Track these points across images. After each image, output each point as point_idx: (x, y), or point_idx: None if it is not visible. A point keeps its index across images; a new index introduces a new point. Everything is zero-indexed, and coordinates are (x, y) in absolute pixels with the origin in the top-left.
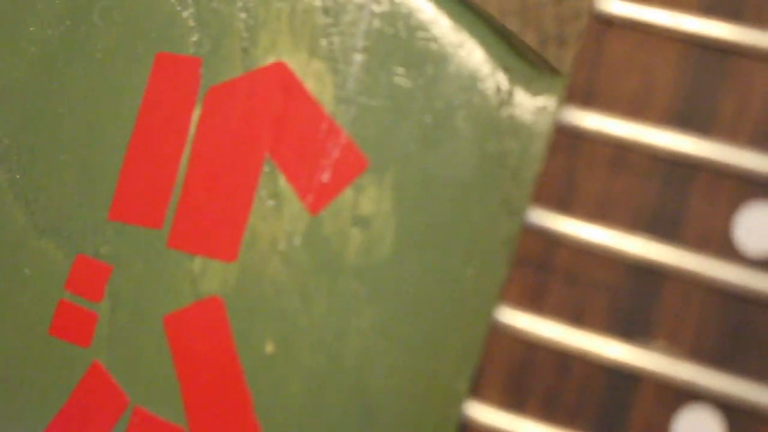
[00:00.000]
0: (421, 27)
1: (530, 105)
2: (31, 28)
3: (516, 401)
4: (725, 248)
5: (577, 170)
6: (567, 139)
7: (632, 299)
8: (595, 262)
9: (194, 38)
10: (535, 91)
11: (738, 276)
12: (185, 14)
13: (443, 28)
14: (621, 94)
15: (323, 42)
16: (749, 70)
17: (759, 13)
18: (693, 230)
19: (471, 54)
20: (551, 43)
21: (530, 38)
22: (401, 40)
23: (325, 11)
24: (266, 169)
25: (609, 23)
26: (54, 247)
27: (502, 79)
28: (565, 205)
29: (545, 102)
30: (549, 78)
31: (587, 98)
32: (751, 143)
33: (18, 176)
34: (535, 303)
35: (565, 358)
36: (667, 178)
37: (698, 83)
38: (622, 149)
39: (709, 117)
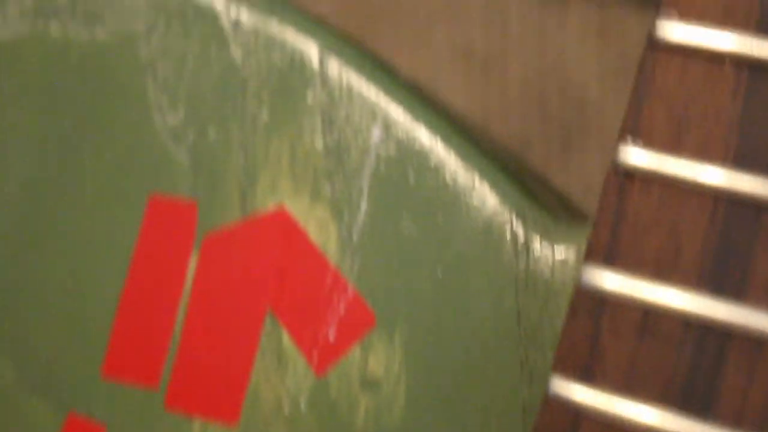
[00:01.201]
0: (431, 171)
1: (549, 257)
2: (14, 167)
3: None
4: (765, 424)
5: (601, 335)
6: (589, 300)
7: None
8: None
9: (189, 180)
10: (554, 242)
11: None
12: (180, 154)
13: (454, 171)
14: (646, 252)
15: (326, 186)
16: None
17: None
18: (729, 404)
19: (484, 200)
20: (575, 189)
21: (553, 180)
22: (410, 186)
23: (328, 153)
24: (268, 323)
25: (631, 176)
26: (44, 405)
27: (518, 228)
28: (589, 374)
29: (565, 254)
30: (569, 227)
31: (610, 256)
32: None
33: (5, 326)
34: None
35: None
36: (699, 346)
37: (730, 242)
38: (650, 313)
39: (744, 279)
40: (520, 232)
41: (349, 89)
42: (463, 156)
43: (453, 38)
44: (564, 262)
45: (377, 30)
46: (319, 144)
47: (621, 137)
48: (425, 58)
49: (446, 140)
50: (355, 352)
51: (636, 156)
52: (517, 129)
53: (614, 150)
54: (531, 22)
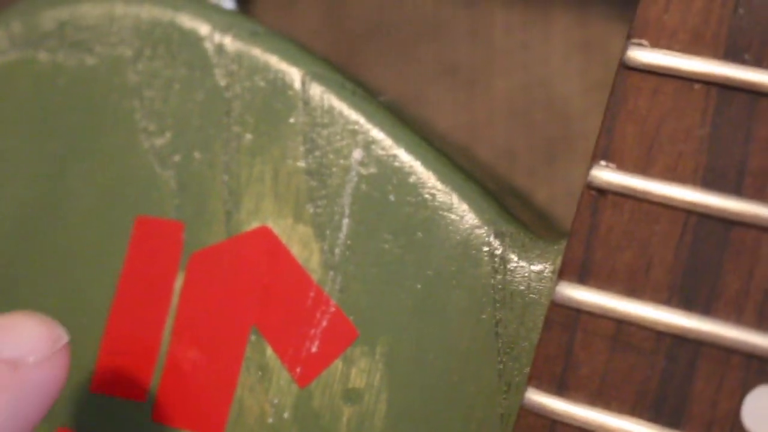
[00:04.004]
0: (410, 190)
1: (525, 272)
2: (6, 190)
3: None
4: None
5: (575, 347)
6: (563, 314)
7: None
8: None
9: (176, 201)
10: (530, 257)
11: None
12: (166, 176)
13: (433, 190)
14: (618, 267)
15: (309, 206)
16: (753, 243)
17: (760, 185)
18: (699, 413)
19: (462, 218)
20: (560, 199)
21: (538, 192)
22: (390, 204)
23: (310, 174)
24: (252, 338)
25: (603, 192)
26: None
27: (495, 245)
28: (563, 385)
29: (541, 268)
30: (546, 243)
31: (583, 271)
32: (758, 320)
33: None
34: None
35: None
36: (670, 358)
37: (700, 257)
38: (622, 326)
39: (713, 292)
40: (497, 247)
41: (331, 111)
42: (442, 175)
43: (438, 55)
44: (540, 277)
45: (363, 49)
46: (301, 165)
47: (594, 158)
48: (411, 75)
49: (425, 161)
50: (337, 365)
51: (608, 175)
52: (502, 142)
53: (588, 170)
54: (515, 37)
